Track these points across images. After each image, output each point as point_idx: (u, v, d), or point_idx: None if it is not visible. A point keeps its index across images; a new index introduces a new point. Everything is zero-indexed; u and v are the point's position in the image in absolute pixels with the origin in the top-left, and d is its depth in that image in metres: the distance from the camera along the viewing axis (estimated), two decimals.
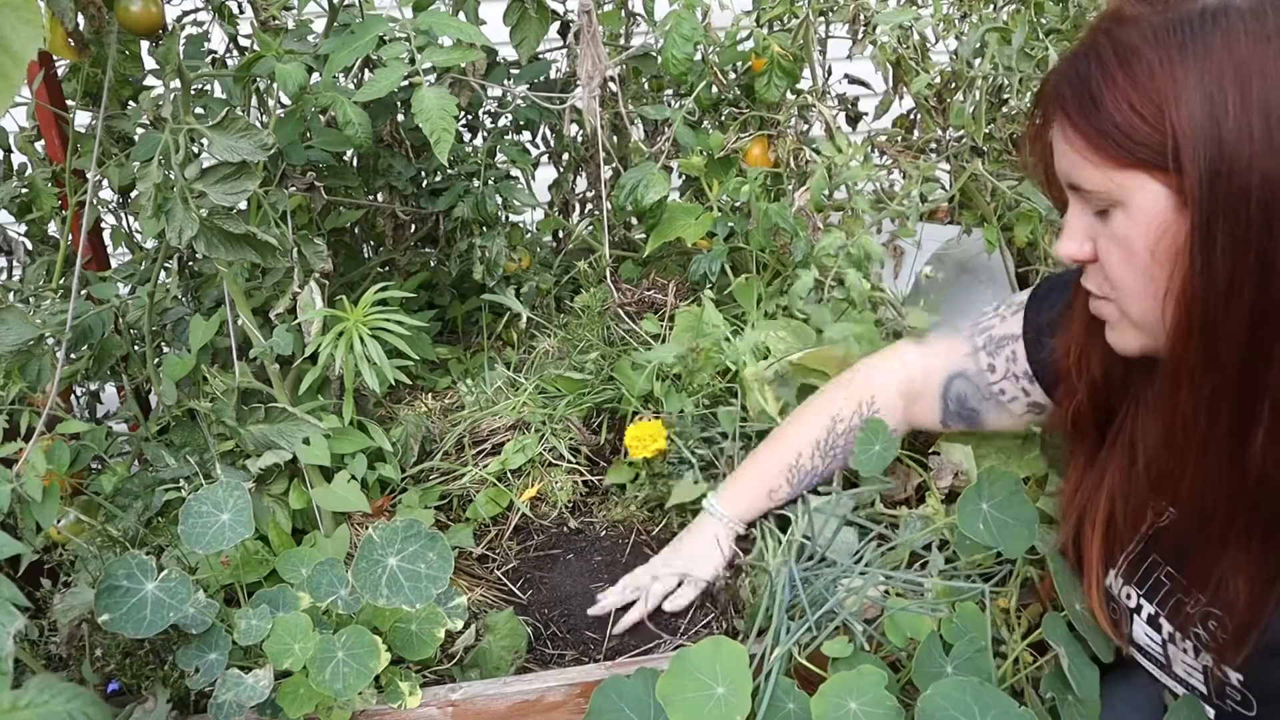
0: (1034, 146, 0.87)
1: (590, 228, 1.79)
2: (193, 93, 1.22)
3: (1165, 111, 0.72)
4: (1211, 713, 0.86)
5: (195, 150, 1.12)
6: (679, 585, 1.18)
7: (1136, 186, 0.75)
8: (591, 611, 1.20)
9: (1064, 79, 0.80)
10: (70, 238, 1.49)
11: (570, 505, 1.39)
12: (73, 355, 1.40)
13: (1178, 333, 0.77)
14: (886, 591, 1.05)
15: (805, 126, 1.60)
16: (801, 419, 1.22)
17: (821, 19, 1.60)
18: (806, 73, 1.55)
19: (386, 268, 1.73)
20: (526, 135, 1.74)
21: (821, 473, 1.20)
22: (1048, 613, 0.95)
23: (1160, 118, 0.73)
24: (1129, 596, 0.92)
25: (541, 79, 1.61)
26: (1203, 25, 0.73)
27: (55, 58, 1.41)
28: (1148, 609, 0.90)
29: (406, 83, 1.17)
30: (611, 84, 1.56)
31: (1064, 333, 0.98)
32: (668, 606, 1.17)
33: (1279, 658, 0.80)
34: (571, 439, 1.44)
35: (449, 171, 1.58)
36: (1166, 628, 0.88)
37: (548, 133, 1.81)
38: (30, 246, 1.60)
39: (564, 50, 1.71)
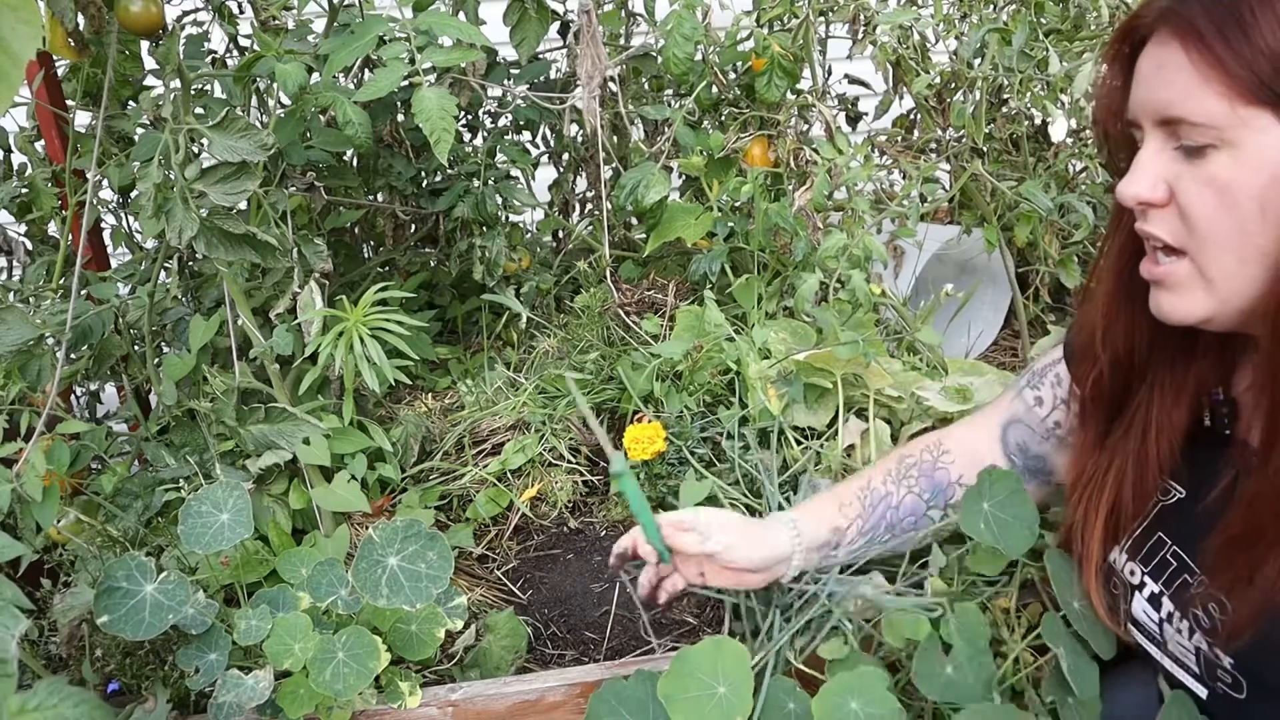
0: (1113, 74, 0.78)
1: (590, 228, 1.79)
2: (193, 93, 1.22)
3: None
4: (1204, 693, 0.86)
5: (195, 150, 1.12)
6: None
7: (1260, 126, 0.67)
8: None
9: None
10: (70, 238, 1.49)
11: (570, 505, 1.39)
12: (73, 355, 1.40)
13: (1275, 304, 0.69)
14: (885, 593, 1.05)
15: (805, 126, 1.60)
16: (872, 466, 1.12)
17: (821, 19, 1.60)
18: (806, 73, 1.55)
19: (386, 268, 1.73)
20: (526, 135, 1.74)
21: (897, 504, 1.06)
22: (1046, 612, 0.94)
23: None
24: (1132, 573, 0.92)
25: (541, 79, 1.61)
26: None
27: (55, 58, 1.41)
28: (1151, 587, 0.89)
29: (406, 83, 1.17)
30: (611, 84, 1.56)
31: (1090, 304, 0.91)
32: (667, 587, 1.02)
33: (1271, 645, 0.79)
34: (571, 439, 1.44)
35: (449, 171, 1.58)
36: (1167, 607, 0.88)
37: (548, 133, 1.81)
38: (30, 246, 1.60)
39: (564, 50, 1.71)
